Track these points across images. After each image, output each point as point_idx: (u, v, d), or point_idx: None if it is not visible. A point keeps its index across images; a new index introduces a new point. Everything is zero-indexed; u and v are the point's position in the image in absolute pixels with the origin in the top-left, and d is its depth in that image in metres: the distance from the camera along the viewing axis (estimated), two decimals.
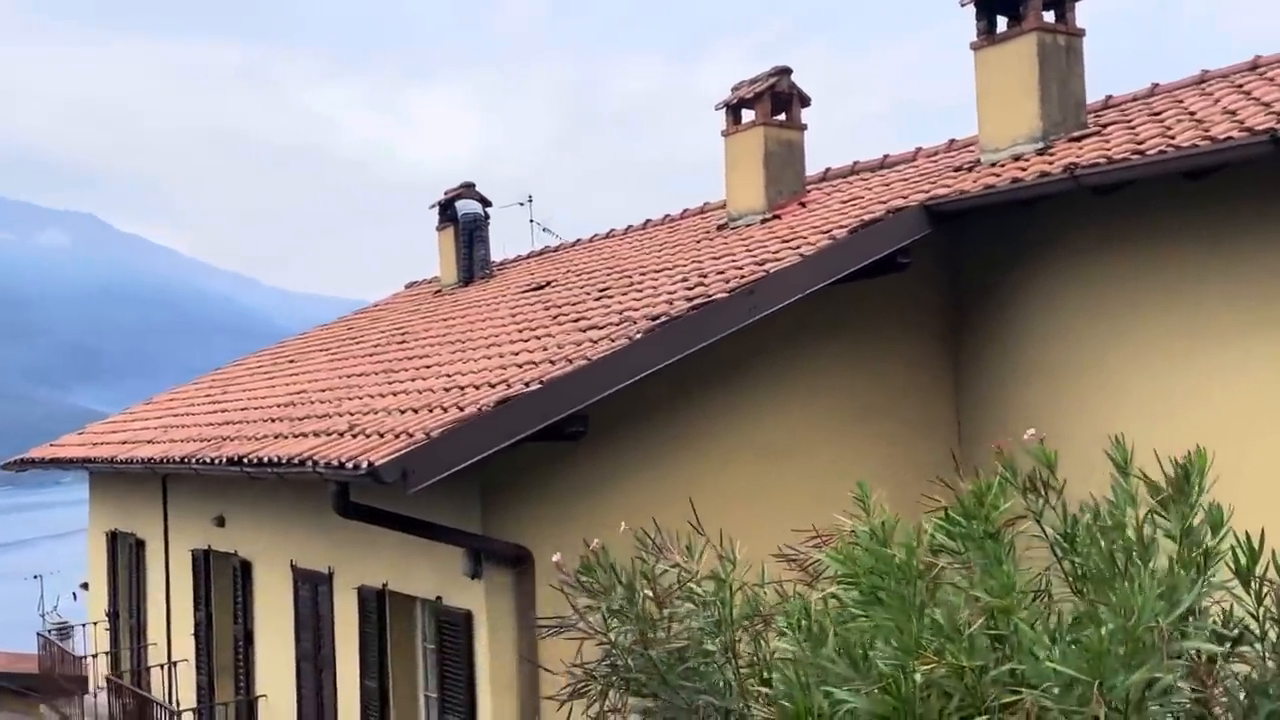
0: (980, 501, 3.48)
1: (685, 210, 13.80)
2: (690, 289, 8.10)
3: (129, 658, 13.68)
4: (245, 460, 7.83)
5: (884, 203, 8.69)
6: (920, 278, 8.74)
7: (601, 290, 10.10)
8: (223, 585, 11.71)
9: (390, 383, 9.18)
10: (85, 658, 13.92)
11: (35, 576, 27.95)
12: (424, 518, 7.01)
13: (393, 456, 6.17)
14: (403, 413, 7.44)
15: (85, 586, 20.53)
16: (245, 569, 10.74)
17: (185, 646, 12.30)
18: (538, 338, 8.67)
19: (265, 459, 7.47)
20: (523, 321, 10.05)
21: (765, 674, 3.44)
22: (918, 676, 2.88)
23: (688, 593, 3.48)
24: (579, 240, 15.63)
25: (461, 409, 6.77)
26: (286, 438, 8.17)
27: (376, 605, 8.36)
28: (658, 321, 7.09)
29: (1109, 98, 9.30)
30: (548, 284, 12.50)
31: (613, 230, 14.98)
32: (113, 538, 14.61)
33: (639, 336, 6.97)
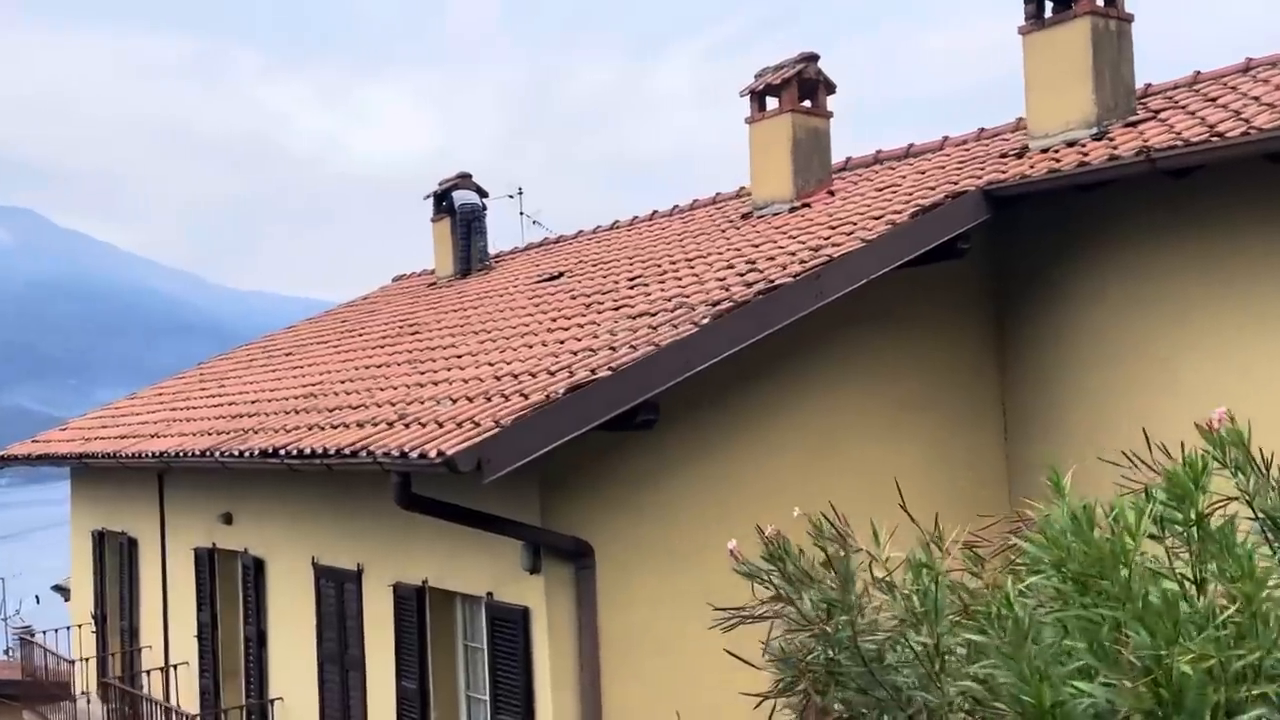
0: (1193, 482, 3.32)
1: (696, 201, 13.59)
2: (743, 275, 7.89)
3: (120, 661, 13.17)
4: (285, 452, 7.48)
5: (934, 189, 8.54)
6: (965, 265, 8.60)
7: (633, 279, 9.85)
8: (229, 584, 11.31)
9: (422, 373, 8.86)
10: (75, 661, 13.38)
11: None
12: (481, 510, 6.73)
13: (466, 445, 5.88)
14: (454, 401, 7.14)
15: (62, 590, 19.87)
16: (258, 567, 10.35)
17: (185, 649, 11.86)
18: (580, 326, 8.41)
19: (313, 450, 7.13)
20: (552, 311, 9.77)
21: (965, 668, 3.23)
22: (1185, 668, 2.70)
23: (884, 582, 3.26)
24: (580, 232, 15.36)
25: (526, 396, 6.50)
26: (323, 429, 7.83)
27: (416, 603, 8.05)
28: (725, 307, 6.86)
29: (1148, 85, 9.23)
30: (561, 274, 12.24)
31: (617, 222, 14.74)
32: (100, 537, 14.09)
33: (707, 322, 6.74)
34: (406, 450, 6.28)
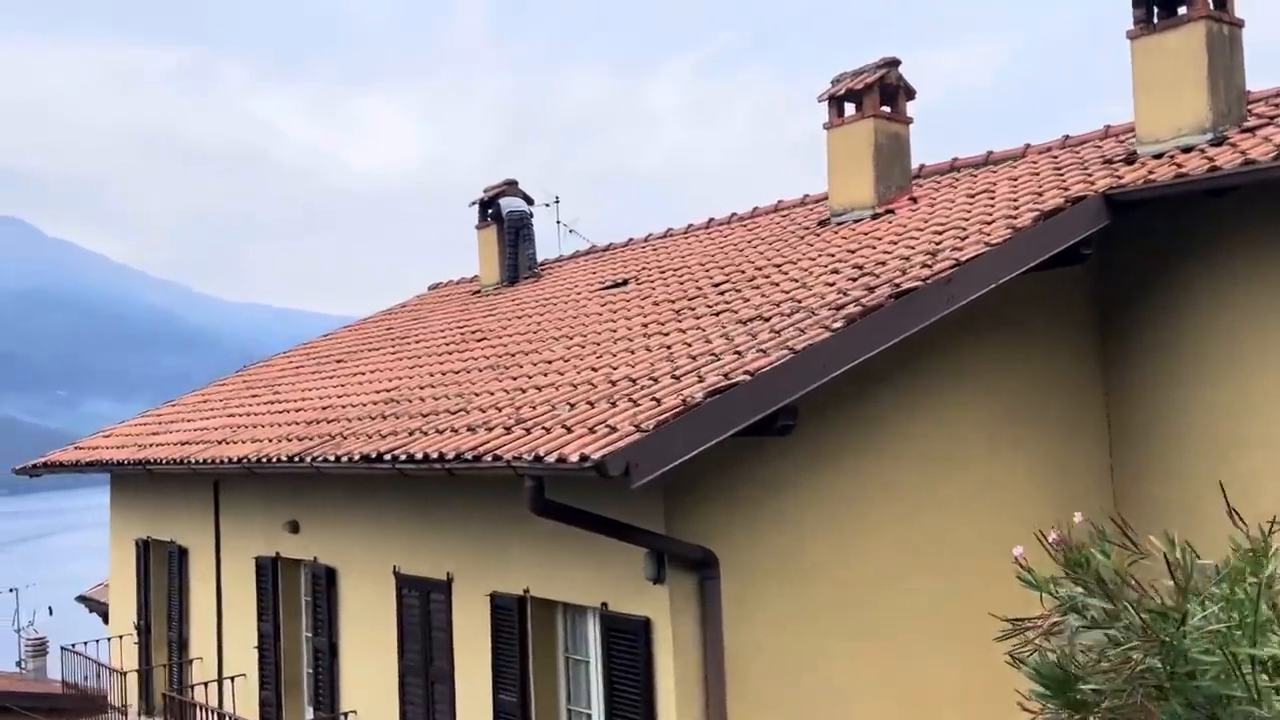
0: None
1: (756, 209, 13.45)
2: (855, 280, 7.73)
3: (167, 674, 12.88)
4: (395, 457, 7.25)
5: (1040, 194, 8.40)
6: (1070, 273, 8.47)
7: (718, 284, 9.68)
8: (292, 594, 11.06)
9: (514, 378, 8.66)
10: (125, 674, 13.08)
11: (10, 590, 26.75)
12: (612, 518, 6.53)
13: (613, 448, 5.68)
14: (572, 406, 6.95)
15: (87, 601, 19.54)
16: (329, 576, 10.10)
17: (242, 661, 11.59)
18: (680, 330, 8.22)
19: (428, 455, 6.90)
20: (636, 316, 9.59)
21: None
22: None
23: (1201, 589, 3.07)
24: (631, 241, 15.18)
25: (659, 400, 6.31)
26: (426, 434, 7.62)
27: (517, 613, 7.82)
28: (856, 310, 6.69)
29: (1248, 92, 9.12)
30: (626, 281, 12.06)
31: (670, 230, 14.57)
32: (144, 546, 13.81)
33: (840, 325, 6.57)
34: (542, 454, 6.08)
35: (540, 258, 15.99)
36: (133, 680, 13.26)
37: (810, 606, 7.14)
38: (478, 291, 16.00)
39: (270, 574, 11.07)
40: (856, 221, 10.41)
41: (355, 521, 9.84)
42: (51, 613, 26.23)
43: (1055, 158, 10.04)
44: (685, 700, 6.62)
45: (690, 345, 7.59)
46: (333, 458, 8.05)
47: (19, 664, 24.54)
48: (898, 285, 6.99)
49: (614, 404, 6.63)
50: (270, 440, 9.74)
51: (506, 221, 15.47)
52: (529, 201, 15.89)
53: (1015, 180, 9.58)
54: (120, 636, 14.27)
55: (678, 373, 6.79)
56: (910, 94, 10.87)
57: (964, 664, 7.56)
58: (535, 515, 6.29)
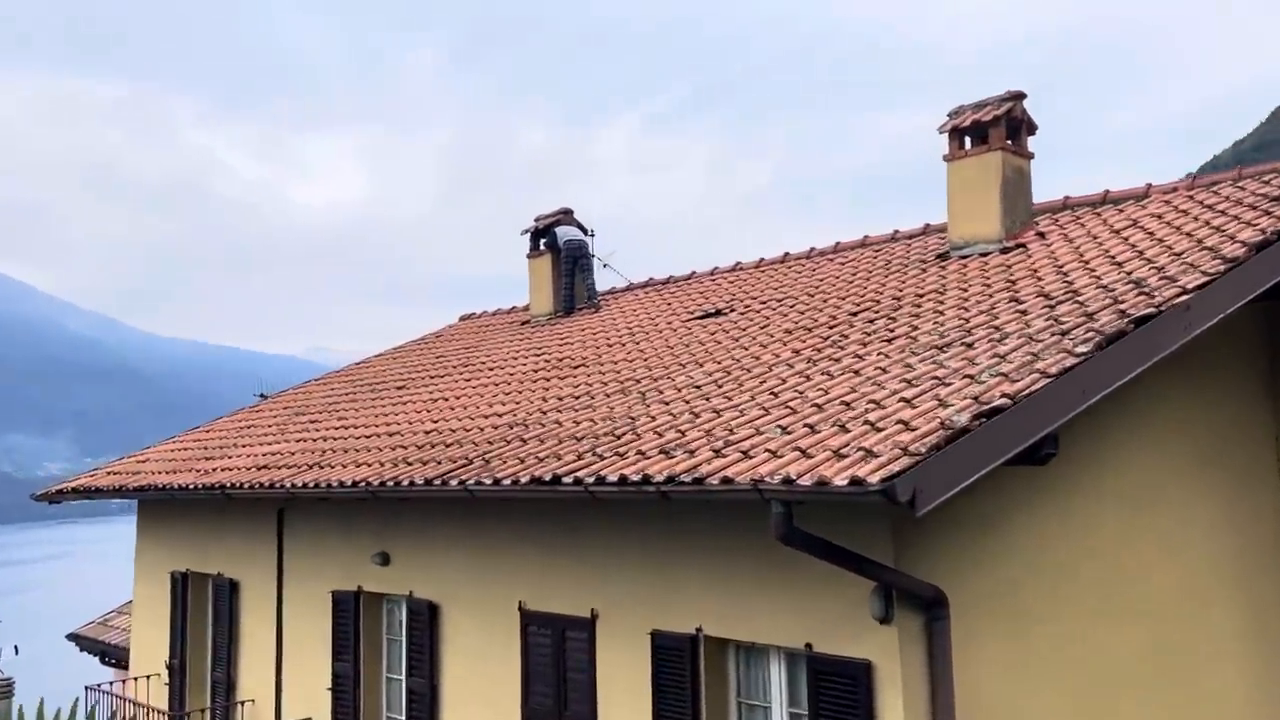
0: None
1: (839, 243, 13.13)
2: (1053, 308, 7.40)
3: (210, 717, 11.98)
4: (592, 479, 6.68)
5: (1222, 230, 8.18)
6: (1249, 310, 8.24)
7: (856, 314, 9.31)
8: (373, 632, 10.33)
9: (666, 403, 8.16)
10: (182, 715, 12.15)
11: None
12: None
13: (898, 473, 5.22)
14: (784, 429, 6.47)
15: (79, 639, 18.36)
16: (431, 613, 9.42)
17: (309, 703, 10.79)
18: (858, 357, 7.80)
19: (654, 477, 6.32)
20: (772, 344, 9.15)
21: None
22: None
23: None
24: (693, 274, 14.77)
25: (907, 424, 5.87)
26: (602, 457, 7.08)
27: (688, 654, 7.26)
28: (1097, 339, 6.33)
29: None
30: (719, 312, 11.65)
31: (740, 263, 14.19)
32: (182, 579, 12.94)
33: (1088, 350, 6.20)
34: (793, 476, 5.60)
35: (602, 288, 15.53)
36: None
37: (1023, 651, 6.71)
38: (526, 322, 15.47)
39: (351, 610, 10.33)
40: (984, 255, 10.12)
41: (463, 553, 9.20)
42: (17, 651, 24.71)
43: (1192, 198, 9.87)
44: None
45: (886, 370, 7.18)
46: (489, 480, 7.45)
47: None
48: (1125, 313, 6.66)
49: (845, 428, 6.17)
50: (378, 465, 9.09)
51: (564, 251, 15.01)
52: (585, 231, 15.46)
53: (1163, 218, 9.38)
54: (148, 676, 13.33)
55: (907, 395, 6.36)
56: (1032, 129, 10.69)
57: (1171, 716, 7.18)
58: (782, 543, 5.77)
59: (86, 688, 13.19)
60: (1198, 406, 8.08)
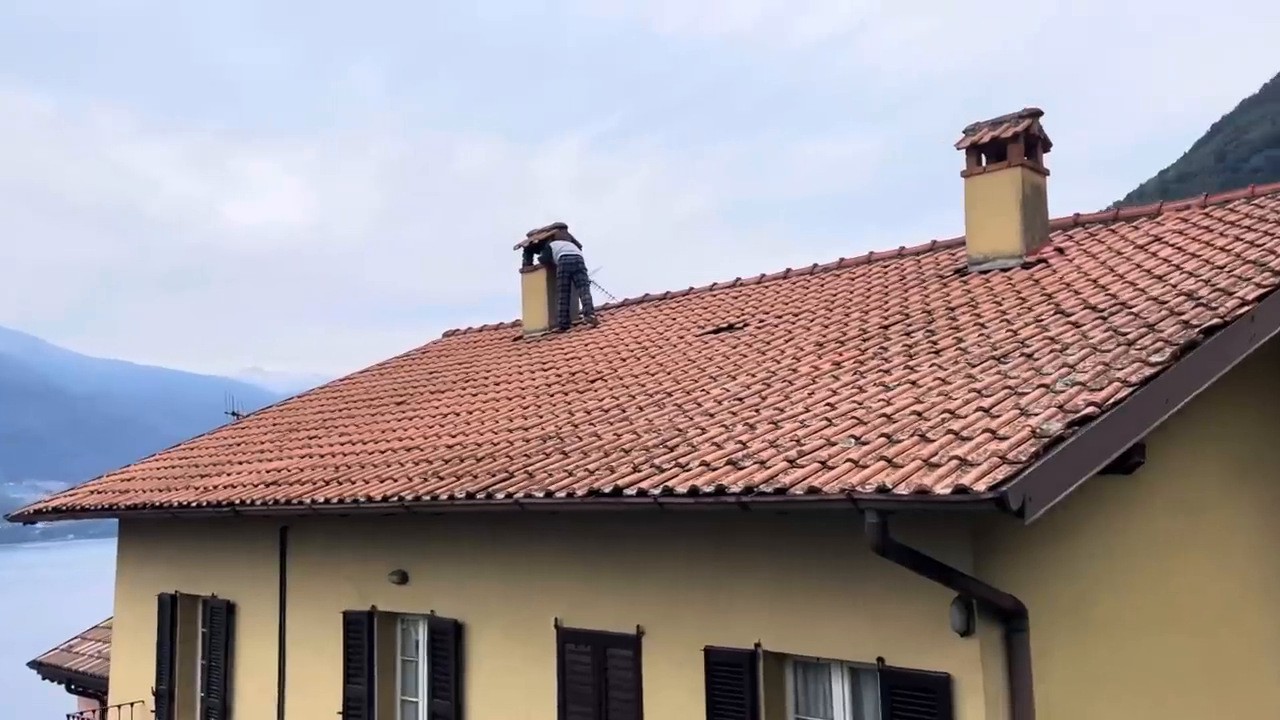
0: None
1: (842, 260, 13.14)
2: (1107, 318, 7.43)
3: None
4: (660, 490, 6.52)
5: (1254, 244, 8.29)
6: None
7: (888, 327, 9.28)
8: (388, 653, 10.02)
9: (710, 414, 8.04)
10: None
11: None
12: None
13: (1003, 480, 5.15)
14: (857, 439, 6.39)
15: (41, 667, 17.64)
16: (456, 632, 9.16)
17: None
18: (909, 369, 7.75)
19: (729, 488, 6.18)
20: (806, 356, 9.07)
21: None
22: None
23: None
24: (691, 289, 14.69)
25: (995, 433, 5.81)
26: (664, 469, 6.92)
27: (747, 670, 7.11)
28: (1170, 349, 6.35)
29: None
30: (731, 327, 11.57)
31: (739, 279, 14.13)
32: (171, 601, 12.48)
33: (1161, 361, 6.21)
34: (889, 485, 5.51)
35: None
36: None
37: (1088, 663, 6.67)
38: (520, 338, 15.26)
39: (365, 630, 10.01)
40: (1005, 270, 10.18)
41: (492, 569, 8.97)
42: None
43: (1209, 214, 10.03)
44: None
45: (947, 381, 7.13)
46: (541, 493, 7.25)
47: None
48: (1190, 324, 6.70)
49: (927, 439, 6.10)
50: (405, 479, 8.83)
51: (561, 266, 14.85)
52: (579, 246, 15.31)
53: (1185, 234, 9.51)
54: (131, 704, 12.81)
55: (984, 405, 6.32)
56: (1047, 146, 10.80)
57: None
58: (878, 554, 5.67)
59: (69, 716, 12.63)
60: (1236, 417, 8.15)
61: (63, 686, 16.79)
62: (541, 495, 7.27)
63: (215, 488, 10.96)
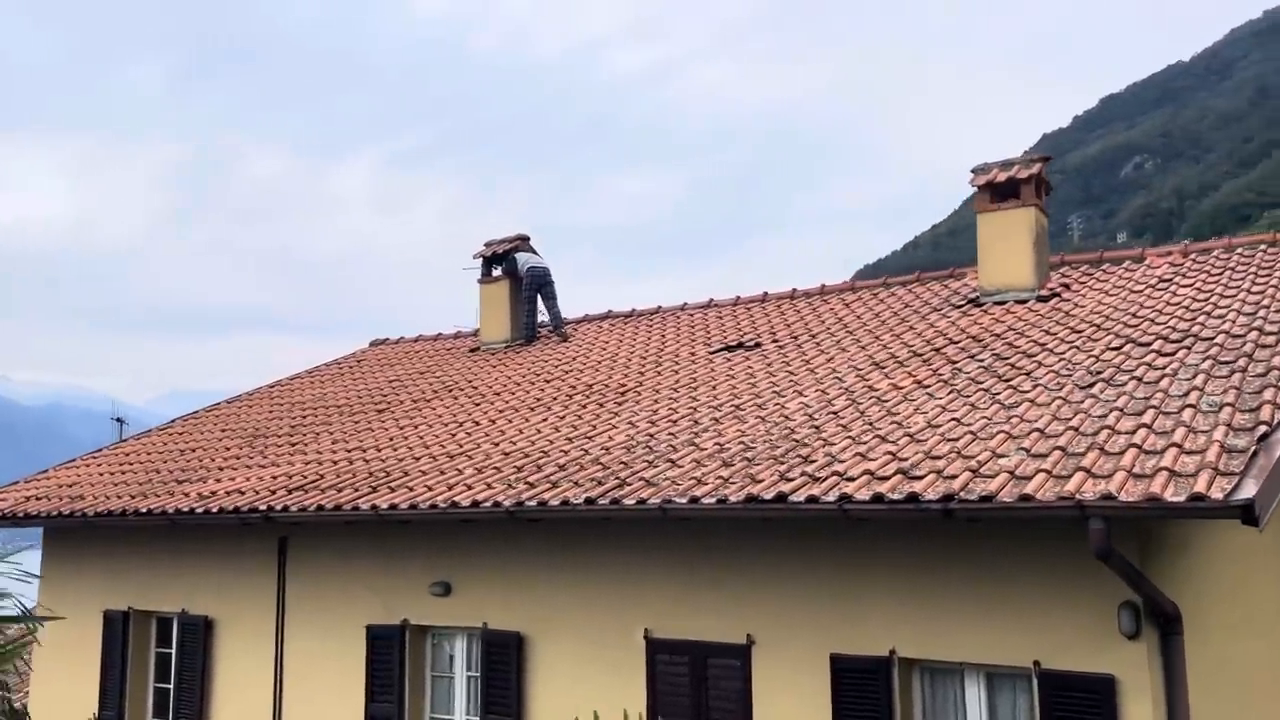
0: None
1: (824, 285, 13.53)
2: (1189, 348, 8.02)
3: None
4: (839, 498, 6.55)
5: (1247, 278, 9.16)
6: None
7: (939, 349, 9.66)
8: (417, 669, 9.52)
9: (841, 425, 8.14)
10: None
11: None
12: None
13: (1249, 491, 5.52)
14: (1026, 450, 6.66)
15: None
16: (517, 645, 8.82)
17: None
18: (1012, 388, 8.10)
19: (958, 496, 6.29)
20: (872, 376, 9.32)
21: None
22: None
23: None
24: (659, 308, 14.72)
25: (1181, 446, 6.21)
26: (820, 479, 6.95)
27: (883, 678, 7.22)
28: None
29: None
30: (742, 345, 11.72)
31: (712, 300, 14.29)
32: (123, 619, 11.40)
33: None
34: (1113, 493, 5.79)
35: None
36: None
37: (1220, 666, 7.11)
38: (476, 349, 14.87)
39: (397, 646, 9.48)
40: (1021, 301, 10.78)
41: (561, 578, 8.71)
42: None
43: (1191, 260, 10.98)
44: None
45: (1068, 400, 7.50)
46: (684, 499, 7.15)
47: None
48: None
49: (1104, 450, 6.43)
50: (480, 485, 8.48)
51: (528, 278, 14.59)
52: (540, 257, 15.09)
53: (1186, 274, 10.37)
54: None
55: (1146, 421, 6.71)
56: (1049, 189, 11.56)
57: None
58: (1100, 560, 5.92)
59: None
60: None
61: None
62: (685, 501, 7.17)
63: (215, 494, 10.14)
